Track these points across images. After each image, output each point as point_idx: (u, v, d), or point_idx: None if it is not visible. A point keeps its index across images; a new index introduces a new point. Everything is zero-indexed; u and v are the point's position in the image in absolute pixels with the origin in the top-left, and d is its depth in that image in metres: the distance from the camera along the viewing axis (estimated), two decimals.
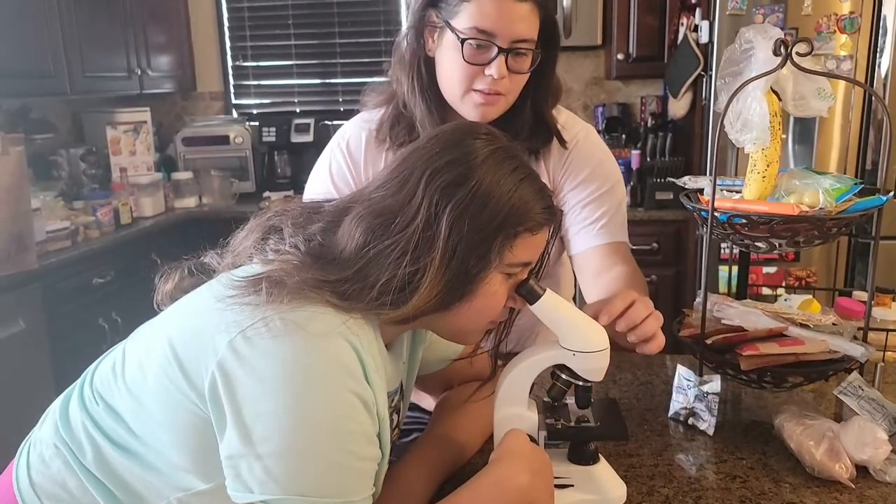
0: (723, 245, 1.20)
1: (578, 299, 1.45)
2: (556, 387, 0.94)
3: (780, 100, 1.16)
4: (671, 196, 3.05)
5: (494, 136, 0.86)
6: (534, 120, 1.28)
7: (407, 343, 0.96)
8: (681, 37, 3.08)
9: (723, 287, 2.34)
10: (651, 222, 3.09)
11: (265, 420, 0.70)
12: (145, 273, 3.28)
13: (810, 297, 1.52)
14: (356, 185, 1.32)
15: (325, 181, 1.36)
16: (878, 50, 2.69)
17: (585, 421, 0.96)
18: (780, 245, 1.15)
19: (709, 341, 1.15)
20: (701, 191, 1.27)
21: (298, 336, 0.72)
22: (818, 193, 1.10)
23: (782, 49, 1.09)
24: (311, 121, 3.70)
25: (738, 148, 1.17)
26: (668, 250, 3.11)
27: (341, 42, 3.87)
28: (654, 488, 0.98)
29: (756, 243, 1.17)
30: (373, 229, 0.79)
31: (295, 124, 3.70)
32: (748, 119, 1.13)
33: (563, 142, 1.30)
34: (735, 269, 1.44)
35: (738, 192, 1.25)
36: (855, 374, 1.11)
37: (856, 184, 1.16)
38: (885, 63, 2.68)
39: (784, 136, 1.17)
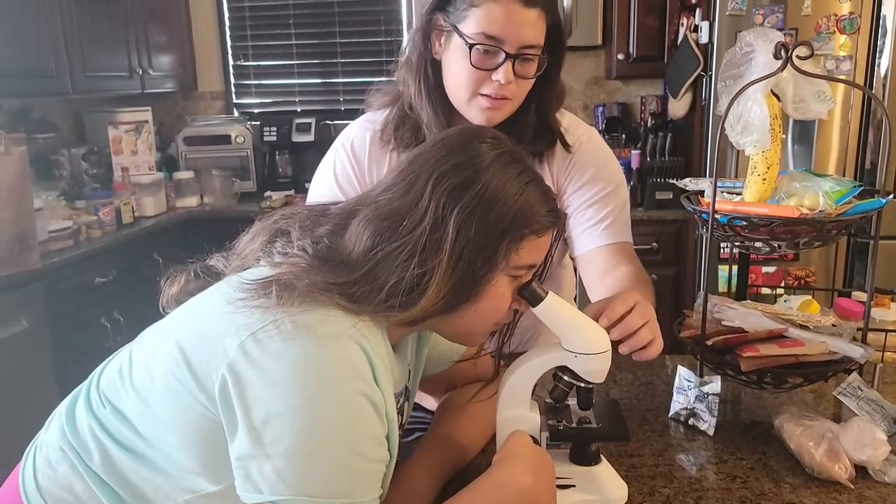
0: (723, 245, 1.21)
1: (580, 300, 1.45)
2: (558, 388, 0.95)
3: (779, 101, 1.17)
4: (671, 196, 3.06)
5: (500, 139, 0.87)
6: (538, 123, 1.29)
7: (412, 345, 0.97)
8: (681, 37, 3.08)
9: (722, 286, 2.35)
10: (651, 222, 3.09)
11: (275, 422, 0.71)
12: (147, 272, 3.29)
13: (810, 297, 1.53)
14: (360, 185, 1.32)
15: (329, 182, 1.36)
16: (878, 50, 2.69)
17: (587, 422, 0.97)
18: (779, 247, 1.16)
19: (709, 342, 1.16)
20: (701, 193, 1.28)
21: (309, 339, 0.73)
22: (818, 196, 1.11)
23: (783, 52, 1.10)
24: (312, 120, 3.71)
25: (738, 149, 1.18)
26: (667, 250, 3.12)
27: (342, 42, 3.88)
28: (655, 488, 0.99)
29: (756, 245, 1.18)
30: (380, 232, 0.79)
31: (296, 124, 3.71)
32: (749, 122, 1.14)
33: (566, 145, 1.31)
34: (735, 268, 1.45)
35: (738, 193, 1.26)
36: (854, 375, 1.12)
37: (855, 186, 1.17)
38: (884, 63, 2.69)
39: (783, 136, 1.18)
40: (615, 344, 0.93)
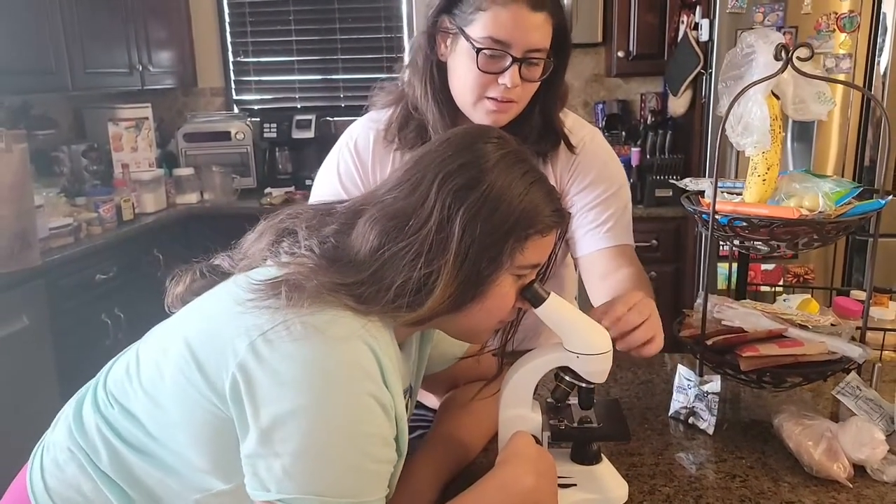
0: (722, 242, 1.22)
1: (581, 300, 1.46)
2: (559, 388, 0.96)
3: (779, 101, 1.18)
4: (670, 193, 3.07)
5: (505, 139, 0.87)
6: (542, 124, 1.29)
7: (416, 343, 0.98)
8: (681, 34, 3.09)
9: (722, 283, 2.35)
10: (650, 219, 3.10)
11: (284, 422, 0.71)
12: (148, 269, 3.30)
13: (809, 296, 1.54)
14: (364, 185, 1.33)
15: (332, 181, 1.37)
16: (878, 48, 2.70)
17: (588, 422, 0.98)
18: (779, 247, 1.16)
19: (709, 342, 1.16)
20: (702, 193, 1.29)
21: (318, 339, 0.73)
22: (818, 197, 1.12)
23: (783, 54, 1.10)
24: (312, 117, 3.71)
25: (738, 149, 1.18)
26: (667, 247, 3.13)
27: (342, 38, 3.88)
28: (656, 487, 1.00)
29: (756, 245, 1.18)
30: (387, 231, 0.80)
31: (296, 120, 3.71)
32: (749, 123, 1.15)
33: (570, 146, 1.32)
34: (734, 265, 1.46)
35: (738, 194, 1.27)
36: (853, 375, 1.13)
37: (855, 187, 1.17)
38: (884, 61, 2.69)
39: (783, 134, 1.18)
40: (614, 342, 0.94)
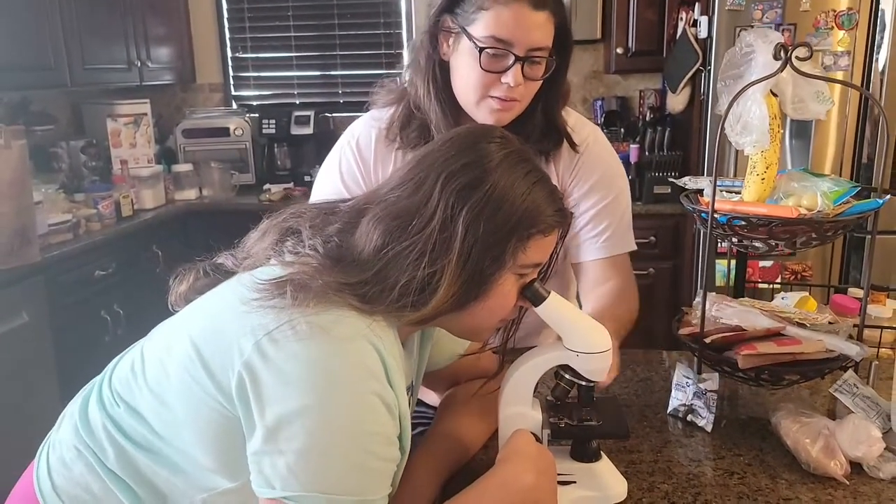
0: (720, 240, 1.24)
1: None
2: (559, 386, 0.96)
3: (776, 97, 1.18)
4: (669, 190, 3.07)
5: (508, 139, 0.88)
6: (545, 123, 1.30)
7: (417, 340, 0.98)
8: (680, 31, 3.09)
9: (720, 280, 2.36)
10: (649, 216, 3.10)
11: (290, 420, 0.72)
12: (147, 265, 3.29)
13: (807, 294, 1.54)
14: (366, 183, 1.33)
15: (334, 180, 1.37)
16: (876, 46, 2.70)
17: (588, 419, 0.99)
18: (777, 245, 1.17)
19: (707, 340, 1.17)
20: (700, 191, 1.29)
21: (324, 339, 0.74)
22: (816, 196, 1.12)
23: (782, 53, 1.11)
24: (310, 113, 3.70)
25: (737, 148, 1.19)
26: (665, 244, 3.13)
27: (341, 34, 3.87)
28: (654, 484, 1.01)
29: (755, 244, 1.19)
30: (390, 231, 0.80)
31: (295, 116, 3.70)
32: (748, 122, 1.15)
33: (573, 145, 1.32)
34: (733, 262, 1.46)
35: (737, 192, 1.28)
36: (850, 373, 1.14)
37: (853, 186, 1.18)
38: (882, 58, 2.70)
39: (781, 132, 1.19)
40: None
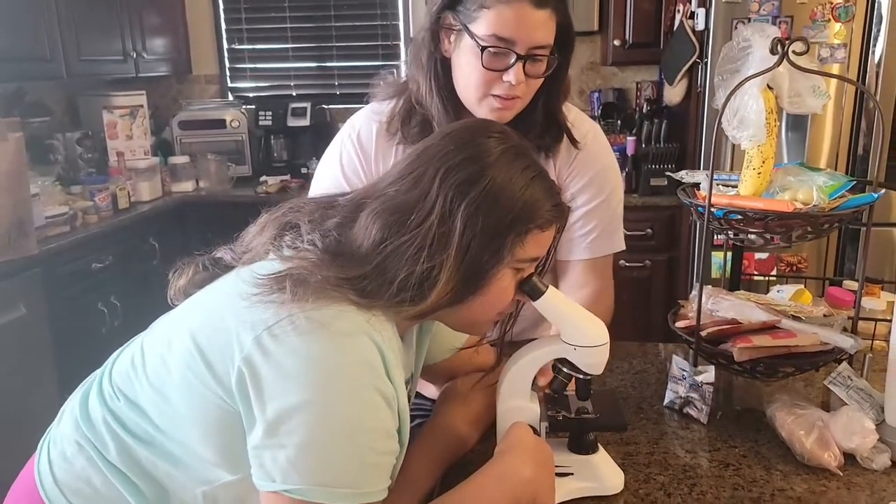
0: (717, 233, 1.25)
1: None
2: (557, 379, 0.97)
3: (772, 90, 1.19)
4: (665, 182, 3.08)
5: (506, 134, 0.88)
6: (545, 119, 1.30)
7: (415, 334, 0.99)
8: (677, 23, 3.08)
9: (716, 272, 2.37)
10: (645, 208, 3.11)
11: (290, 415, 0.73)
12: (144, 257, 3.30)
13: (802, 286, 1.55)
14: (367, 176, 1.33)
15: (335, 172, 1.37)
16: (872, 38, 2.71)
17: (585, 412, 1.00)
18: (773, 239, 1.18)
19: (703, 333, 1.18)
20: (697, 185, 1.30)
21: (323, 334, 0.75)
22: (812, 190, 1.13)
23: (779, 48, 1.11)
24: (307, 105, 3.69)
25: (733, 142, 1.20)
26: (661, 236, 3.14)
27: (337, 25, 3.86)
28: (651, 476, 1.02)
29: (751, 237, 1.20)
30: (389, 225, 0.81)
31: (291, 108, 3.70)
32: (745, 116, 1.16)
33: (574, 141, 1.33)
34: (729, 254, 1.47)
35: (733, 186, 1.28)
36: (844, 365, 1.15)
37: (849, 180, 1.19)
38: (878, 51, 2.70)
39: (778, 125, 1.20)
40: (613, 336, 0.95)
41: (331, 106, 3.82)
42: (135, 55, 3.40)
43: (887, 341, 1.35)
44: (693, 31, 2.97)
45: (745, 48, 1.17)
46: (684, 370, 1.19)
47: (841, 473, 1.01)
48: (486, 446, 1.05)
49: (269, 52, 3.96)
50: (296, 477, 0.73)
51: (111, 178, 3.09)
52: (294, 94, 3.95)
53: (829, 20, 2.70)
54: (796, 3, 2.70)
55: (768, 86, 1.17)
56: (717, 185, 1.28)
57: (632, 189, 3.20)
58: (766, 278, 1.95)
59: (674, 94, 3.18)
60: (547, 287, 0.91)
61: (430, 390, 1.25)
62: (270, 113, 3.70)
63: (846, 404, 1.09)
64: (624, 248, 1.42)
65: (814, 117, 2.77)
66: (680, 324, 1.25)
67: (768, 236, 1.16)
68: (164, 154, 3.58)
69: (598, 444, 1.01)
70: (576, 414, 0.99)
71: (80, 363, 0.94)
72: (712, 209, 1.16)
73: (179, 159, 3.52)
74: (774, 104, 1.18)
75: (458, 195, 0.81)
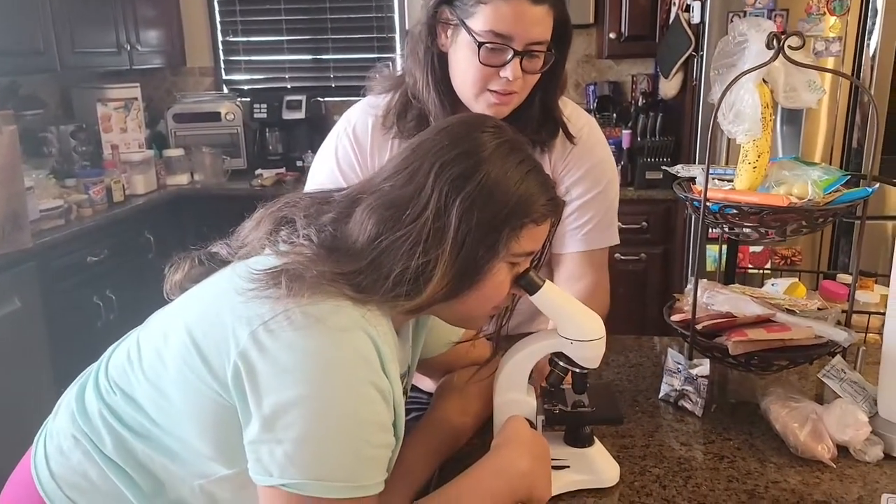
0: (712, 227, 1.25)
1: None
2: (554, 373, 0.98)
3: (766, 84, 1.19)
4: (661, 175, 3.08)
5: (501, 128, 0.88)
6: (542, 113, 1.30)
7: (411, 328, 0.99)
8: (672, 16, 3.09)
9: (711, 265, 2.37)
10: (640, 201, 3.12)
11: (286, 410, 0.73)
12: (139, 251, 3.29)
13: (796, 280, 1.56)
14: (363, 170, 1.33)
15: (331, 167, 1.37)
16: (867, 31, 2.71)
17: (582, 405, 1.00)
18: (767, 233, 1.18)
19: (698, 326, 1.19)
20: (693, 179, 1.30)
21: (319, 329, 0.75)
22: (807, 185, 1.13)
23: (775, 42, 1.11)
24: (302, 97, 3.68)
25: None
26: (656, 229, 3.15)
27: (332, 17, 3.84)
28: (646, 468, 1.03)
29: (746, 231, 1.20)
30: (384, 220, 0.81)
31: (286, 101, 3.68)
32: (740, 111, 1.16)
33: (570, 136, 1.33)
34: (724, 247, 1.48)
35: (728, 180, 1.29)
36: (838, 358, 1.15)
37: (843, 175, 1.19)
38: (873, 44, 2.71)
39: (773, 119, 1.20)
40: (609, 329, 0.96)
41: (326, 98, 3.81)
42: (129, 47, 3.39)
43: (881, 334, 1.37)
44: (689, 24, 2.97)
45: (740, 42, 1.18)
46: (679, 363, 1.19)
47: (834, 465, 1.02)
48: (482, 439, 1.06)
49: (263, 44, 3.94)
50: (293, 471, 0.73)
51: (106, 171, 3.08)
52: (289, 86, 3.94)
53: (824, 14, 2.70)
54: None
55: (764, 80, 1.17)
56: (713, 178, 1.29)
57: (627, 182, 3.20)
58: (761, 272, 1.96)
59: (669, 87, 3.18)
60: (544, 282, 0.91)
61: (426, 384, 1.25)
62: (265, 105, 3.69)
63: (840, 397, 1.10)
64: (618, 241, 1.42)
65: (809, 112, 2.77)
66: (675, 317, 1.26)
67: (763, 230, 1.17)
68: (159, 147, 3.57)
69: (594, 438, 1.01)
70: (572, 407, 1.00)
71: (76, 357, 0.94)
72: (708, 204, 1.16)
73: (174, 152, 3.51)
74: (770, 98, 1.18)
75: (453, 190, 0.81)
